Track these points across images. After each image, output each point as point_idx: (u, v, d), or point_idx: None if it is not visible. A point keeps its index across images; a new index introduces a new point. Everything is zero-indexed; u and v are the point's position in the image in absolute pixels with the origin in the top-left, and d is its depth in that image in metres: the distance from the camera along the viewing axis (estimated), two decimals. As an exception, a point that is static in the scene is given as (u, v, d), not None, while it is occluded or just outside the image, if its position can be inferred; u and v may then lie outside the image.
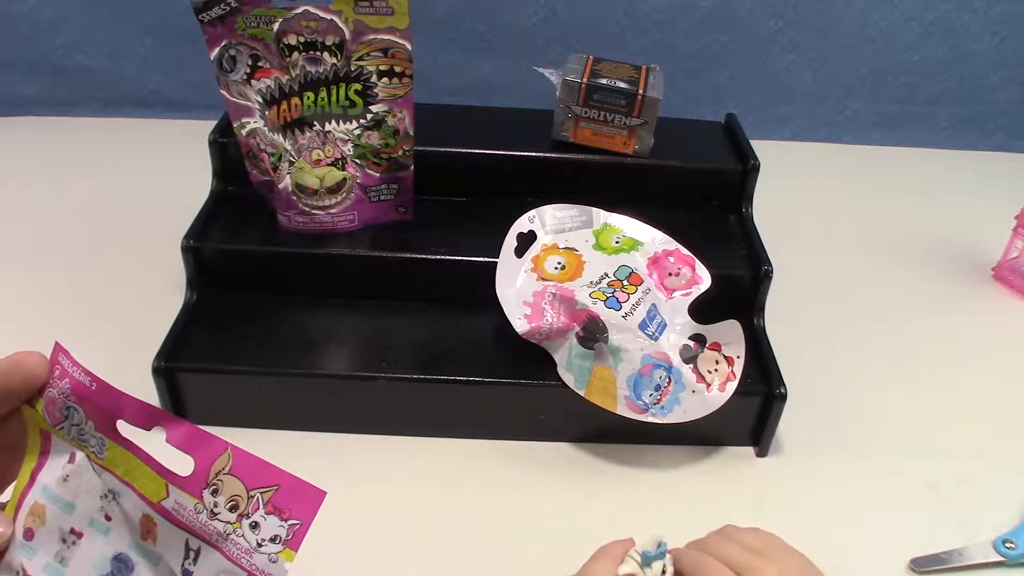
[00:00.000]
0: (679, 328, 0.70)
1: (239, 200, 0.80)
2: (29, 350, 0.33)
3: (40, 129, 1.14)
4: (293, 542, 0.29)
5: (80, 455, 0.32)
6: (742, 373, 0.68)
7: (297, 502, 0.29)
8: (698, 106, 1.15)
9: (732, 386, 0.68)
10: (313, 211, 0.75)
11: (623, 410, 0.67)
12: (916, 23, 1.15)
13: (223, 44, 0.68)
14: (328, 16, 0.68)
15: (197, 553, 0.30)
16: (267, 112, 0.71)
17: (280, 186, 0.73)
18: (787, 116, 1.23)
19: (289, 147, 0.72)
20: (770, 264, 0.75)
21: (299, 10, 0.68)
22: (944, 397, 0.80)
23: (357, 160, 0.75)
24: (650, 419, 0.66)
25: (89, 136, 1.13)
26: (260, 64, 0.69)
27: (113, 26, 1.11)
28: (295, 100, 0.71)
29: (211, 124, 0.81)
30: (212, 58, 0.68)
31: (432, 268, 0.75)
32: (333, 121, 0.73)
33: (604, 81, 0.78)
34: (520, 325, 0.68)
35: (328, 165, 0.73)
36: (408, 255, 0.75)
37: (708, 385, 0.67)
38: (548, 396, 0.69)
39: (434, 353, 0.72)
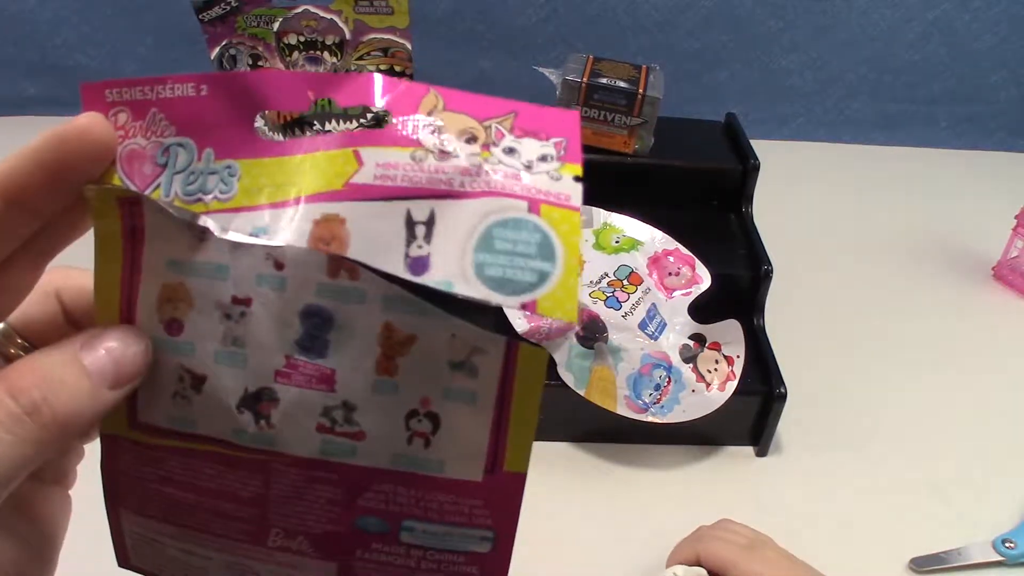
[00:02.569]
0: (679, 328, 0.70)
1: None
2: (82, 115, 0.25)
3: (40, 129, 1.14)
4: (570, 156, 0.22)
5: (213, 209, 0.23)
6: (742, 373, 0.68)
7: (548, 124, 0.22)
8: (698, 106, 1.15)
9: (732, 386, 0.68)
10: (313, 211, 0.75)
11: (623, 410, 0.67)
12: (916, 23, 1.15)
13: (223, 44, 0.68)
14: (328, 15, 0.68)
15: (429, 223, 0.22)
16: (267, 111, 0.71)
17: (280, 186, 0.73)
18: (787, 116, 1.23)
19: (289, 147, 0.72)
20: (770, 264, 0.75)
21: (299, 9, 0.68)
22: (944, 397, 0.80)
23: (357, 160, 0.75)
24: (650, 419, 0.66)
25: (89, 136, 1.13)
26: (260, 63, 0.69)
27: (113, 26, 1.11)
28: (295, 100, 0.71)
29: (211, 124, 0.80)
30: (212, 58, 0.68)
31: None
32: (333, 121, 0.73)
33: (604, 81, 0.78)
34: (520, 325, 0.68)
35: (328, 165, 0.73)
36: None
37: (708, 385, 0.67)
38: (548, 396, 0.69)
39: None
